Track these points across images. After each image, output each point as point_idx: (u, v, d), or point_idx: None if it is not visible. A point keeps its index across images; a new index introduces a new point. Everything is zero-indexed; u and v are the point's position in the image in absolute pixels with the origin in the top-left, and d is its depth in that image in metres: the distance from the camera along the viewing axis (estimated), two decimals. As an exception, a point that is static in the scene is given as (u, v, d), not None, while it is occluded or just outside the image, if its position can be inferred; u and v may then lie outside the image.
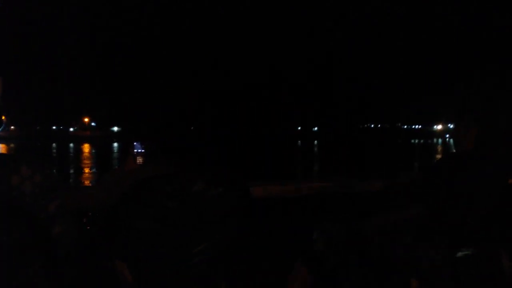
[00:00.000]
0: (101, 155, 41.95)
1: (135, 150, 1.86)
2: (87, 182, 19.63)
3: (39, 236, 1.10)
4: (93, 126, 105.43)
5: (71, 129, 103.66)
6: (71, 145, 63.26)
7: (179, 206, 1.46)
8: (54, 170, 1.31)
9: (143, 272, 1.54)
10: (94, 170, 26.41)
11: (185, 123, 1.78)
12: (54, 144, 60.28)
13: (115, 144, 63.36)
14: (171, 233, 1.49)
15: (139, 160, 1.85)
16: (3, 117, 1.37)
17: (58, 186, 1.31)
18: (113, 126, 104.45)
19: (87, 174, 23.23)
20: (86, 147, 57.12)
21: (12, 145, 53.45)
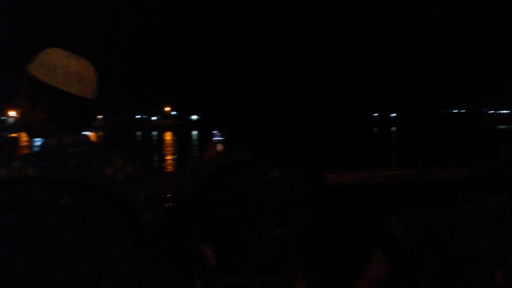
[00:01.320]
0: (181, 143, 43.53)
1: (214, 138, 1.93)
2: (169, 169, 20.47)
3: (129, 220, 1.19)
4: (174, 115, 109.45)
5: (154, 118, 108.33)
6: (154, 133, 66.23)
7: (256, 192, 1.51)
8: (142, 161, 1.41)
9: (225, 254, 1.61)
10: (175, 157, 27.48)
11: (262, 111, 1.82)
12: (138, 133, 63.43)
13: (195, 132, 65.41)
14: (248, 218, 1.54)
15: (218, 147, 1.92)
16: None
17: (147, 176, 1.41)
18: (193, 115, 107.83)
19: (169, 161, 24.22)
20: (167, 135, 59.50)
21: (100, 133, 56.91)
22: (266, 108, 1.84)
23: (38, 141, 1.29)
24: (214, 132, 1.94)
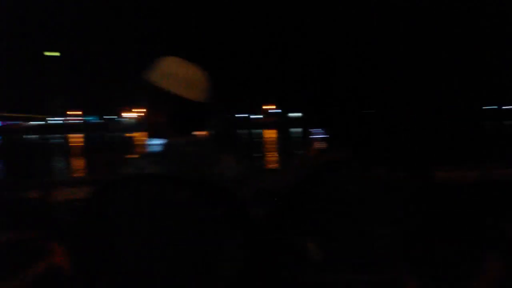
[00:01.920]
0: (283, 140, 43.99)
1: (317, 136, 1.95)
2: (272, 165, 20.84)
3: (238, 214, 1.27)
4: (275, 112, 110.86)
5: (256, 116, 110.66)
6: (257, 131, 67.66)
7: (360, 190, 1.51)
8: (249, 158, 1.50)
9: (330, 251, 1.63)
10: (277, 154, 27.86)
11: (364, 108, 1.81)
12: (242, 131, 65.29)
13: (296, 130, 65.69)
14: (353, 216, 1.55)
15: (322, 144, 1.94)
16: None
17: (254, 173, 1.48)
18: (295, 112, 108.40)
19: (272, 158, 24.64)
20: (269, 133, 60.43)
21: (208, 132, 59.19)
22: (369, 106, 1.82)
23: (154, 141, 1.41)
24: (317, 129, 1.95)
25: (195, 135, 1.41)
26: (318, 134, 1.96)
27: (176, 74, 1.35)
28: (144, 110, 1.41)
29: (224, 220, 1.26)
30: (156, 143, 1.39)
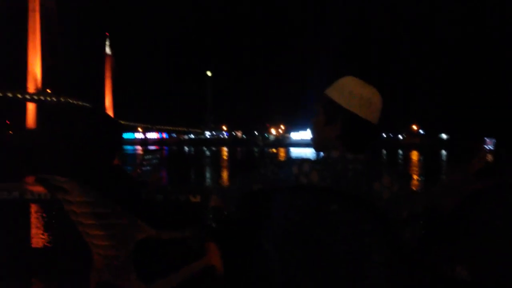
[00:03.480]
0: (429, 162, 41.50)
1: (485, 147, 1.81)
2: (421, 187, 19.83)
3: (387, 233, 1.28)
4: (421, 133, 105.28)
5: (400, 137, 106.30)
6: (400, 151, 64.93)
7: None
8: (407, 180, 1.48)
9: (480, 276, 1.55)
10: (421, 177, 26.41)
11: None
12: (384, 151, 63.23)
13: (443, 152, 61.51)
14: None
15: (488, 157, 1.77)
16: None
17: (408, 195, 1.47)
18: (442, 133, 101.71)
19: (415, 181, 23.43)
20: (414, 154, 57.59)
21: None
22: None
23: (321, 155, 1.48)
24: (486, 140, 1.82)
25: (364, 155, 1.44)
26: (483, 148, 1.81)
27: (353, 93, 1.41)
28: (315, 124, 1.50)
29: (371, 236, 1.28)
30: (321, 155, 1.46)
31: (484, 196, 1.42)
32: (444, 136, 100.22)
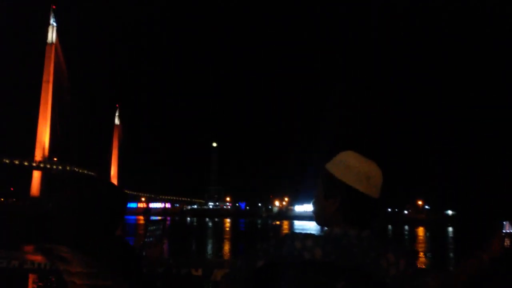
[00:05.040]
0: (435, 239, 40.72)
1: (505, 231, 1.76)
2: (428, 266, 19.36)
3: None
4: (427, 209, 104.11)
5: (405, 212, 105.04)
6: (406, 227, 63.91)
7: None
8: (413, 257, 1.47)
9: None
10: (429, 254, 25.81)
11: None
12: (389, 226, 62.26)
13: (450, 229, 60.51)
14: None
15: (506, 242, 1.69)
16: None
17: (417, 273, 1.44)
18: (447, 209, 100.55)
19: (421, 258, 22.87)
20: (420, 230, 56.61)
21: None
22: None
23: (323, 229, 1.48)
24: (505, 223, 1.77)
25: (367, 231, 1.43)
26: (508, 229, 1.75)
27: (351, 167, 1.43)
28: (316, 198, 1.51)
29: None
30: (324, 231, 1.45)
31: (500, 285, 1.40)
32: (449, 212, 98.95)
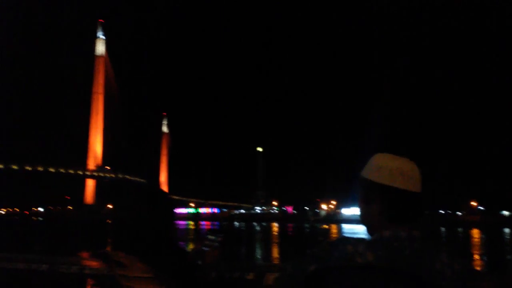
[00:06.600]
0: (491, 241, 39.10)
1: None
2: (484, 268, 18.62)
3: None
4: (481, 210, 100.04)
5: (459, 213, 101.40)
6: (459, 229, 61.73)
7: None
8: (467, 258, 1.44)
9: None
10: (484, 257, 24.81)
11: None
12: (442, 228, 60.27)
13: (506, 230, 57.94)
14: None
15: None
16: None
17: (473, 275, 1.42)
18: (503, 210, 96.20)
19: (477, 261, 22.00)
20: (475, 232, 54.50)
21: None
22: None
23: (371, 234, 1.47)
24: None
25: (418, 231, 1.41)
26: None
27: (382, 167, 1.43)
28: (359, 205, 1.51)
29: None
30: (374, 235, 1.43)
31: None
32: (505, 213, 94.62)
